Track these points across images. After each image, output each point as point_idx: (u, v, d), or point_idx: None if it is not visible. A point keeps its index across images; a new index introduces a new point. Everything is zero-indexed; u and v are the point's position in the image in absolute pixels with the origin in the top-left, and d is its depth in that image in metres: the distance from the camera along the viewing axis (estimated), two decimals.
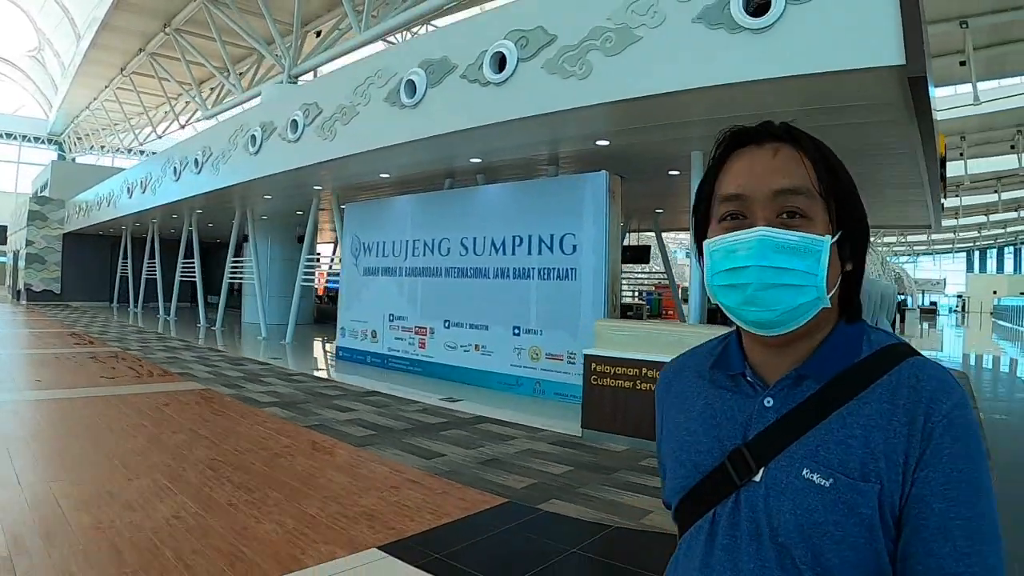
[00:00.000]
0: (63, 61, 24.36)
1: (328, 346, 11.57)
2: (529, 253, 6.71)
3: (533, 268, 6.67)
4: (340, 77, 7.29)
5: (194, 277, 14.75)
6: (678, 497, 0.72)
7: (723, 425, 0.70)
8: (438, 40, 6.08)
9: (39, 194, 21.49)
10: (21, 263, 20.35)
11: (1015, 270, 49.36)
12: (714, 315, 6.80)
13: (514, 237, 6.86)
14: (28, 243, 19.51)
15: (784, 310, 0.63)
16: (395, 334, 8.36)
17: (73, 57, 21.76)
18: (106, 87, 22.29)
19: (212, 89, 21.15)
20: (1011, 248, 49.50)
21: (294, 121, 7.59)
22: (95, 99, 23.48)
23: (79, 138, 27.86)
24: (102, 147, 27.93)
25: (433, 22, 19.85)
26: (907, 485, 0.59)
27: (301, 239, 15.47)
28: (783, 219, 0.64)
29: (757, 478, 0.65)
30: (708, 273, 0.67)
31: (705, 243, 0.68)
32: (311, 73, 15.58)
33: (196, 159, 10.28)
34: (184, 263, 15.29)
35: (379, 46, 21.76)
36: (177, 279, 15.53)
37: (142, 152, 31.65)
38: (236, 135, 9.12)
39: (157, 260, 16.49)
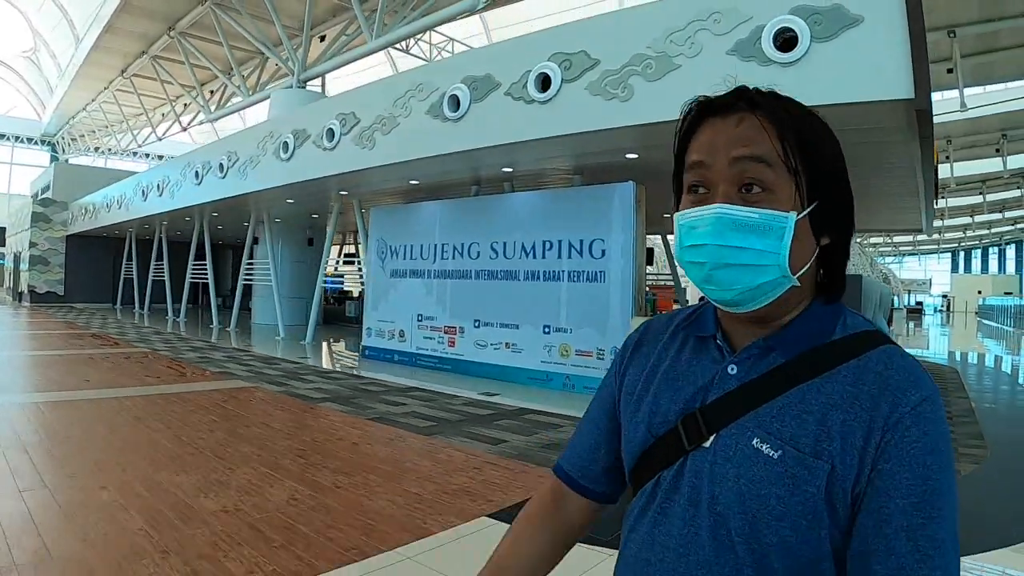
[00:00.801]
0: (60, 62, 24.45)
1: (347, 345, 12.05)
2: (559, 257, 7.26)
3: (563, 271, 7.22)
4: (378, 89, 7.77)
5: (204, 279, 15.11)
6: (632, 460, 0.71)
7: (683, 388, 0.69)
8: (480, 58, 6.59)
9: (40, 196, 21.62)
10: (24, 265, 20.52)
11: (999, 270, 50.78)
12: None
13: (544, 242, 7.40)
14: (32, 245, 19.72)
15: (742, 290, 0.62)
16: (424, 333, 8.86)
17: (72, 59, 21.91)
18: (105, 88, 22.45)
19: (212, 92, 21.39)
20: (995, 248, 50.96)
21: (330, 130, 8.07)
22: (93, 100, 23.61)
23: (73, 139, 27.94)
24: (97, 148, 28.04)
25: (444, 33, 20.31)
26: (864, 473, 0.57)
27: (311, 241, 15.94)
28: (743, 193, 0.62)
29: (707, 444, 0.64)
30: (676, 247, 0.66)
31: (675, 216, 0.67)
32: (318, 78, 16.02)
33: (221, 164, 10.68)
34: (195, 265, 15.62)
35: (402, 58, 22.17)
36: (187, 281, 15.86)
37: (146, 155, 31.83)
38: (265, 141, 9.55)
39: (165, 262, 16.79)
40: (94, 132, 26.87)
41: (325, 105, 8.75)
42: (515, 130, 5.96)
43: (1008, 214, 33.43)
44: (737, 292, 0.62)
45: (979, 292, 44.28)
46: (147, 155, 31.91)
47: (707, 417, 0.65)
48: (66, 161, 29.12)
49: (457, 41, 20.69)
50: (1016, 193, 26.92)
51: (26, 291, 20.23)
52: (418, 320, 8.97)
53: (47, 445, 4.32)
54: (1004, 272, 49.76)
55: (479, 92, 6.27)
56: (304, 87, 15.57)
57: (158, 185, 13.42)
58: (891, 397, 0.58)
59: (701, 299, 0.76)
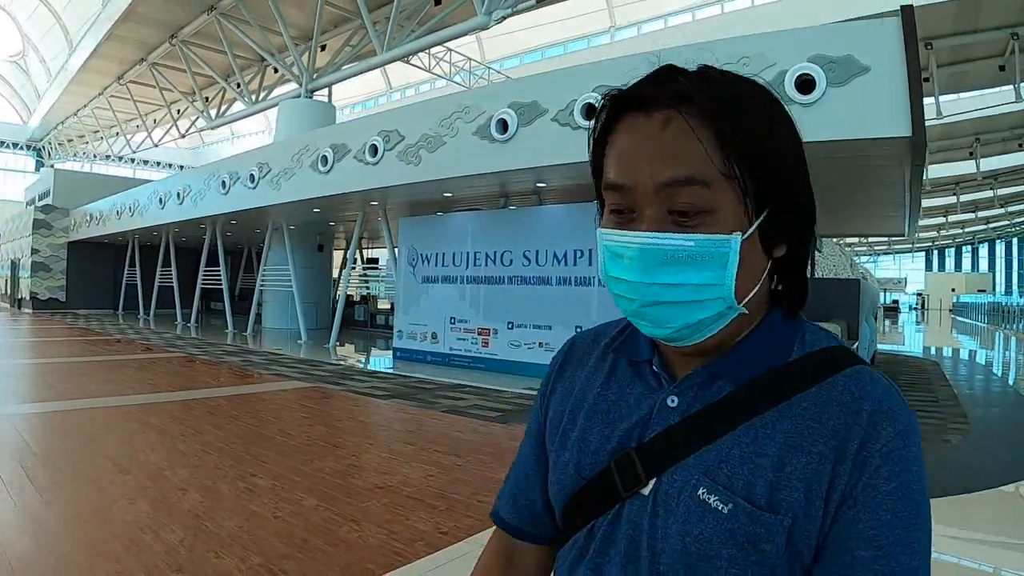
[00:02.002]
0: (50, 67, 24.64)
1: (371, 347, 12.81)
2: (590, 264, 8.17)
3: (594, 276, 8.13)
4: (422, 109, 8.60)
5: (217, 284, 15.71)
6: (561, 504, 0.64)
7: (616, 423, 0.61)
8: (526, 87, 7.45)
9: (38, 202, 21.88)
10: (24, 272, 20.80)
11: (972, 268, 53.22)
12: None
13: (575, 250, 8.31)
14: (34, 251, 20.05)
15: (680, 327, 0.54)
16: (457, 335, 9.69)
17: (64, 64, 22.17)
18: (99, 94, 22.74)
19: (208, 99, 21.81)
20: (968, 247, 53.39)
21: (373, 146, 8.86)
22: (85, 106, 23.88)
23: (60, 144, 28.06)
24: (84, 153, 28.20)
25: (457, 49, 21.00)
26: (828, 522, 0.50)
27: (321, 247, 16.63)
28: (675, 216, 0.52)
29: (645, 491, 0.56)
30: (601, 268, 0.58)
31: (597, 232, 0.57)
32: (326, 88, 16.68)
33: (252, 174, 11.36)
34: (206, 271, 16.19)
35: (397, 67, 22.74)
36: (198, 286, 16.42)
37: (132, 160, 31.90)
38: (301, 154, 10.29)
39: (173, 268, 17.31)
40: (83, 137, 27.06)
41: (365, 123, 9.52)
42: (562, 153, 6.83)
43: (981, 214, 35.38)
44: (674, 329, 0.55)
45: (953, 290, 46.30)
46: (132, 160, 32.04)
47: (644, 458, 0.57)
48: (52, 166, 29.21)
49: (454, 51, 21.50)
50: (989, 194, 28.66)
51: (27, 298, 20.52)
52: (451, 322, 9.80)
53: (227, 439, 5.08)
54: (977, 270, 52.18)
55: (525, 117, 7.14)
56: (311, 96, 16.29)
57: (178, 193, 13.99)
58: (862, 433, 0.51)
59: None
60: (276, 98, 17.78)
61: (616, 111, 0.56)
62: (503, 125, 7.33)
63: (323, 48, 17.61)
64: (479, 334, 9.43)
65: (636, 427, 0.59)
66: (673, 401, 0.58)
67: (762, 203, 0.54)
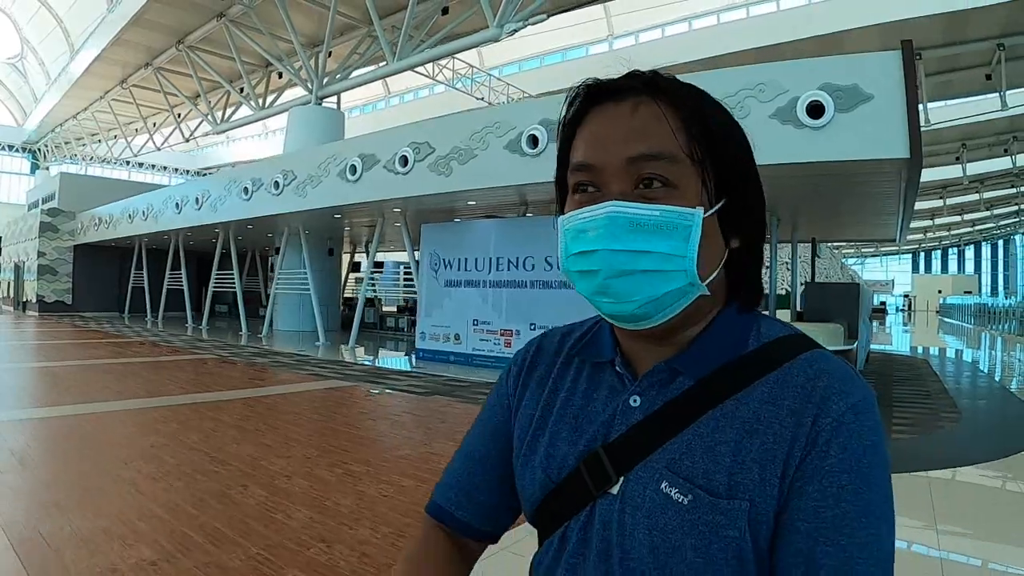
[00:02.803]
0: (49, 70, 24.90)
1: (388, 348, 13.42)
2: None
3: None
4: (452, 122, 9.27)
5: (228, 288, 16.25)
6: (532, 507, 0.65)
7: (583, 427, 0.63)
8: (556, 106, 8.12)
9: (42, 205, 22.22)
10: (30, 275, 21.17)
11: (959, 270, 54.71)
12: None
13: None
14: (40, 254, 20.43)
15: (644, 301, 0.56)
16: (480, 336, 10.35)
17: (66, 67, 22.51)
18: (100, 98, 23.09)
19: (210, 103, 22.20)
20: (955, 250, 54.91)
21: (404, 156, 9.50)
22: (85, 109, 24.20)
23: (57, 145, 28.31)
24: (79, 156, 28.46)
25: (457, 56, 21.60)
26: (784, 497, 0.52)
27: (331, 251, 17.20)
28: (641, 190, 0.55)
29: (614, 489, 0.58)
30: (561, 256, 0.60)
31: (559, 220, 0.60)
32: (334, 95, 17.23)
33: (276, 181, 11.94)
34: (218, 274, 16.72)
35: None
36: (210, 290, 16.94)
37: (127, 163, 32.14)
38: (328, 163, 10.89)
39: (183, 271, 17.80)
40: (81, 139, 27.33)
41: (394, 134, 10.15)
42: None
43: (967, 216, 36.64)
44: (638, 304, 0.56)
45: (939, 291, 47.48)
46: (127, 163, 32.31)
47: (613, 457, 0.59)
48: (47, 168, 29.45)
49: (455, 58, 22.13)
50: (975, 197, 29.81)
51: (33, 300, 20.90)
52: (474, 324, 10.46)
53: (301, 433, 5.68)
54: (963, 272, 53.65)
55: (555, 133, 7.81)
56: (321, 103, 16.86)
57: (197, 198, 14.51)
58: (815, 409, 0.53)
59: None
60: (283, 104, 18.32)
61: (587, 103, 0.60)
62: (533, 140, 8.01)
63: (329, 55, 18.18)
64: (501, 335, 10.09)
65: (601, 428, 0.61)
66: (635, 400, 0.60)
67: (720, 192, 0.57)
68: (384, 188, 9.94)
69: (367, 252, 21.56)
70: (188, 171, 35.82)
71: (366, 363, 10.57)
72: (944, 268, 57.00)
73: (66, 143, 28.05)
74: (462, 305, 10.64)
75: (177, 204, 15.30)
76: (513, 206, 10.34)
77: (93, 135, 26.61)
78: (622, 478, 0.58)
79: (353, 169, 10.38)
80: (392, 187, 9.80)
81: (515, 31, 12.21)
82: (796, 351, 0.57)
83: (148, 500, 3.55)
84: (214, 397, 7.17)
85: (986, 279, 51.28)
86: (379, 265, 21.02)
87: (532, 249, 9.71)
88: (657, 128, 0.56)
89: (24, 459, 4.37)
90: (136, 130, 25.23)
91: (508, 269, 10.00)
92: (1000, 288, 47.79)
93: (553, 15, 13.88)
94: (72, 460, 4.39)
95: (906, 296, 54.63)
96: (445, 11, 15.33)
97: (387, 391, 7.73)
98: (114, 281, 21.79)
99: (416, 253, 11.53)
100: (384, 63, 16.40)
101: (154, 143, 23.95)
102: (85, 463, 4.32)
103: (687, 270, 0.55)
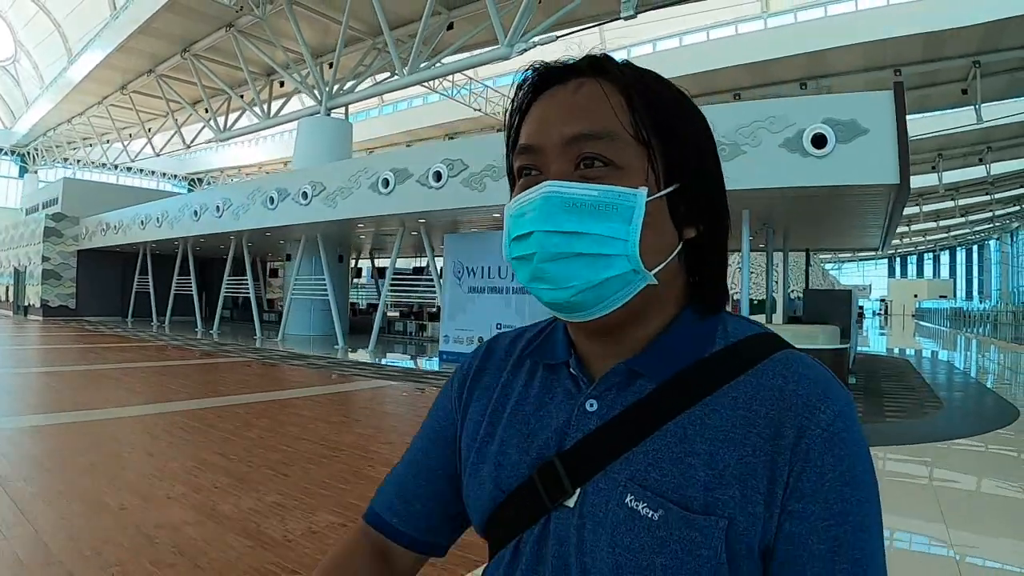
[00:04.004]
0: (43, 75, 25.15)
1: (408, 351, 14.30)
2: None
3: None
4: (483, 141, 10.25)
5: (242, 293, 17.00)
6: (482, 519, 0.62)
7: (536, 433, 0.59)
8: None
9: (43, 210, 22.62)
10: (33, 280, 21.58)
11: (934, 275, 57.00)
12: None
13: None
14: (44, 259, 20.88)
15: (583, 287, 0.53)
16: None
17: (63, 71, 22.85)
18: (98, 103, 23.48)
19: (207, 109, 22.73)
20: (930, 255, 57.20)
21: (437, 172, 10.46)
22: (81, 113, 24.55)
23: (48, 148, 28.52)
24: (68, 160, 28.72)
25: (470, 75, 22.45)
26: (773, 521, 0.49)
27: (341, 258, 18.03)
28: (582, 170, 0.53)
29: (570, 502, 0.55)
30: (504, 248, 0.57)
31: (505, 209, 0.58)
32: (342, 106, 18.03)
33: (304, 192, 12.79)
34: (229, 280, 17.44)
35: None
36: (222, 295, 17.67)
37: (115, 167, 32.39)
38: (359, 175, 11.79)
39: (192, 276, 18.48)
40: (73, 143, 27.62)
41: (427, 151, 11.12)
42: None
43: (943, 223, 38.54)
44: (576, 290, 0.53)
45: (915, 296, 49.28)
46: (115, 166, 32.61)
47: (569, 466, 0.55)
48: (35, 172, 29.64)
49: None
50: (950, 204, 31.56)
51: (37, 304, 21.33)
52: (497, 328, 11.43)
53: (381, 426, 6.57)
54: (938, 277, 55.92)
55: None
56: (329, 114, 17.69)
57: (217, 206, 15.25)
58: (797, 418, 0.50)
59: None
60: (289, 114, 19.05)
61: (535, 89, 0.58)
62: None
63: (331, 66, 18.97)
64: None
65: (555, 435, 0.58)
66: (592, 405, 0.57)
67: (671, 176, 0.55)
68: (416, 201, 10.87)
69: (371, 259, 22.51)
70: (176, 176, 36.16)
71: (395, 364, 11.45)
72: (920, 273, 59.04)
73: (57, 147, 28.30)
74: (486, 310, 11.61)
75: (196, 211, 16.01)
76: None
77: (85, 139, 26.92)
78: (579, 490, 0.55)
79: (386, 183, 11.29)
80: (424, 200, 10.74)
81: (524, 51, 13.19)
82: (767, 351, 0.55)
83: (298, 480, 4.48)
84: (275, 396, 7.78)
85: (961, 283, 53.42)
86: (382, 272, 21.84)
87: None
88: (598, 106, 0.54)
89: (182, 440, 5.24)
90: (131, 135, 25.64)
91: None
92: (975, 292, 50.04)
93: (560, 37, 14.89)
94: (253, 438, 5.26)
95: (883, 300, 56.51)
96: (450, 27, 16.26)
97: (429, 389, 8.64)
98: (117, 286, 22.30)
99: (437, 260, 12.48)
100: (389, 75, 17.31)
101: (153, 148, 24.39)
102: (269, 438, 5.25)
103: (629, 255, 0.52)
